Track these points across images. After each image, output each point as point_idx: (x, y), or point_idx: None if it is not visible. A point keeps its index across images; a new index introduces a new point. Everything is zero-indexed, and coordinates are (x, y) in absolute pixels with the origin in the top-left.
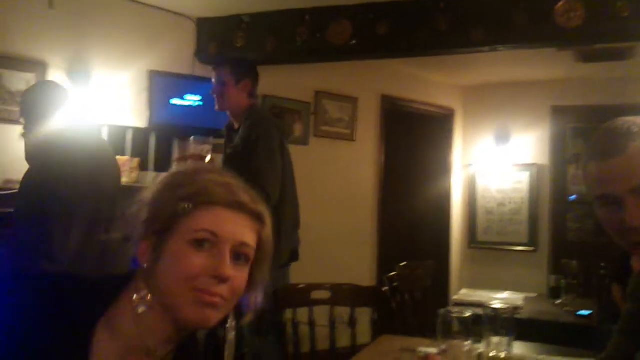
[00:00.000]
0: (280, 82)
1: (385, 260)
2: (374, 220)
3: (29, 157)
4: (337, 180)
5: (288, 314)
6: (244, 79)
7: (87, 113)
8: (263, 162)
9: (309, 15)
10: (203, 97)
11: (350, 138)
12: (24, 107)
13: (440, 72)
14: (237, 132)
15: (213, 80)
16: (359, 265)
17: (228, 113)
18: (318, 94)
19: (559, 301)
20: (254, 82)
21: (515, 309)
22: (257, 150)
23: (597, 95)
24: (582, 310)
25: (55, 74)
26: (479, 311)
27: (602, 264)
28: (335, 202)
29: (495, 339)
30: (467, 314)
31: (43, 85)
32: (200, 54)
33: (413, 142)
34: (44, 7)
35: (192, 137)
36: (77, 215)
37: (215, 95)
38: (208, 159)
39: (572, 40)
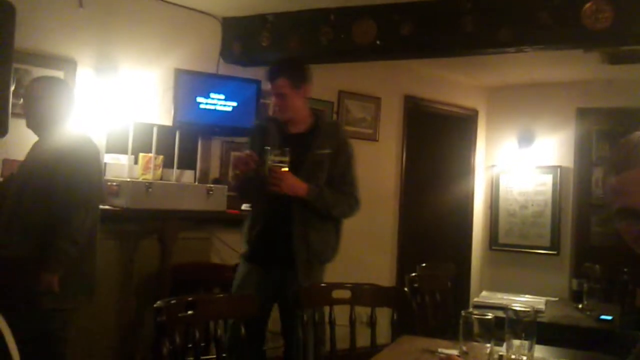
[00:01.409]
0: None
1: (405, 260)
2: (395, 220)
3: (59, 153)
4: (359, 179)
5: (309, 312)
6: (302, 85)
7: (114, 110)
8: (355, 175)
9: (334, 14)
10: (227, 96)
11: (372, 138)
12: (35, 105)
13: (464, 73)
14: (298, 138)
15: (271, 91)
16: (379, 265)
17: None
18: (341, 93)
19: (581, 305)
20: (311, 82)
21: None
22: (351, 163)
23: (623, 97)
24: (604, 314)
25: (84, 71)
26: (500, 314)
27: (625, 269)
28: None
29: (516, 342)
30: (489, 315)
31: (54, 84)
32: (226, 53)
33: (436, 143)
34: (73, 6)
35: (267, 148)
36: (92, 205)
37: (277, 109)
38: (285, 169)
39: (600, 41)
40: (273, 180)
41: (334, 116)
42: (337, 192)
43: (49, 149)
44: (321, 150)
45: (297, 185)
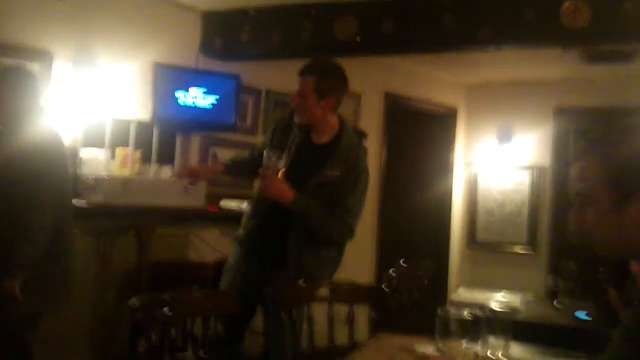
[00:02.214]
0: (285, 77)
1: (384, 257)
2: (374, 217)
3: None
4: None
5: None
6: (329, 96)
7: (91, 103)
8: (356, 204)
9: (315, 10)
10: (206, 91)
11: None
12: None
13: (444, 70)
14: (316, 149)
15: (297, 87)
16: (357, 262)
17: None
18: None
19: (556, 302)
20: (340, 97)
21: (513, 310)
22: (355, 190)
23: (601, 96)
24: (579, 312)
25: (61, 65)
26: (477, 311)
27: (601, 268)
28: None
29: (492, 340)
30: (465, 314)
31: (16, 74)
32: (205, 48)
33: (415, 140)
34: None
35: (266, 151)
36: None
37: (294, 107)
38: (280, 172)
39: (578, 40)
40: (262, 182)
41: None
42: (331, 216)
43: (9, 147)
44: (331, 171)
45: (283, 192)
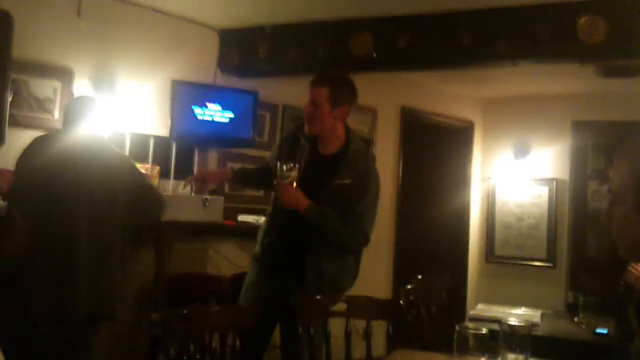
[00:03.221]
0: (301, 93)
1: (401, 272)
2: (391, 232)
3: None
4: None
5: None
6: (341, 105)
7: (111, 121)
8: (367, 209)
9: (331, 27)
10: (224, 107)
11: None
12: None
13: (461, 84)
14: (325, 160)
15: (309, 98)
16: (374, 277)
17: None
18: None
19: (576, 318)
20: (352, 105)
21: (532, 325)
22: (366, 195)
23: (618, 110)
24: (599, 328)
25: (81, 82)
26: (496, 327)
27: (621, 282)
28: None
29: (511, 356)
30: (484, 330)
31: (75, 98)
32: (223, 64)
33: (432, 154)
34: (71, 16)
35: (279, 163)
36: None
37: (306, 117)
38: (294, 183)
39: (594, 55)
40: (276, 192)
41: None
42: (344, 221)
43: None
44: (341, 180)
45: (297, 200)
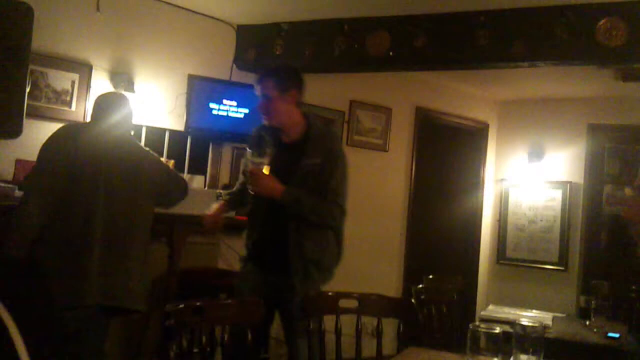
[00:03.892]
0: (316, 90)
1: (412, 271)
2: (403, 231)
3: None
4: (368, 189)
5: (315, 320)
6: (289, 89)
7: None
8: (340, 184)
9: (348, 25)
10: (239, 103)
11: (382, 148)
12: None
13: (476, 85)
14: (290, 147)
15: (257, 94)
16: (386, 276)
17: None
18: (352, 103)
19: (588, 322)
20: (300, 89)
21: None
22: (337, 172)
23: (635, 114)
24: (611, 332)
25: (99, 75)
26: (507, 328)
27: (633, 287)
28: (365, 211)
29: (523, 357)
30: (497, 329)
31: (106, 93)
32: (239, 60)
33: (446, 155)
34: (90, 10)
35: (248, 150)
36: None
37: (262, 112)
38: (266, 171)
39: (613, 58)
40: (250, 181)
41: (345, 126)
42: (320, 199)
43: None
44: (311, 160)
45: (272, 187)
